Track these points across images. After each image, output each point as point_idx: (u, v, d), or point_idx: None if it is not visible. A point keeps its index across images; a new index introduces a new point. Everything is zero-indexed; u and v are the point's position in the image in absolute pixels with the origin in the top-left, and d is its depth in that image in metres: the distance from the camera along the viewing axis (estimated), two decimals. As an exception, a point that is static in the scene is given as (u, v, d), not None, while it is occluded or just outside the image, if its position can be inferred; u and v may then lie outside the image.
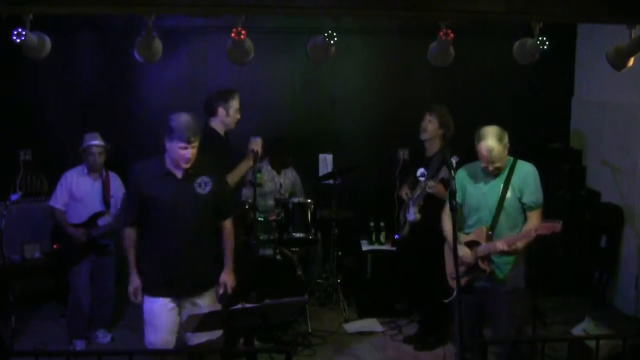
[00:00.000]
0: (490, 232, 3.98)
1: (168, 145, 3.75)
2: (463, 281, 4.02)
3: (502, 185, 3.96)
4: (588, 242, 6.23)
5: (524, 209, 3.99)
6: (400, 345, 5.31)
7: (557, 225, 3.72)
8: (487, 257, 3.98)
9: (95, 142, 5.24)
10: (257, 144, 4.70)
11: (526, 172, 3.99)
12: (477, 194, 4.06)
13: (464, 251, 4.02)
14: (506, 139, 3.94)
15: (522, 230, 3.96)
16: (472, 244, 4.03)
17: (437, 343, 5.21)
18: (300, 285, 5.36)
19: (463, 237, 4.08)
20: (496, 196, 3.97)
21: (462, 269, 4.00)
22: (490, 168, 3.95)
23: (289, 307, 3.70)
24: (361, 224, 6.30)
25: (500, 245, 3.88)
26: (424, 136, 5.04)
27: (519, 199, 3.96)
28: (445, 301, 4.24)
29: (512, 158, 4.04)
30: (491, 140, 3.87)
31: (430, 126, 4.99)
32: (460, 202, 4.10)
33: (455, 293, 4.02)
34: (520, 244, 3.91)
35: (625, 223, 5.94)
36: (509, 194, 3.95)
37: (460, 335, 3.58)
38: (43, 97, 6.49)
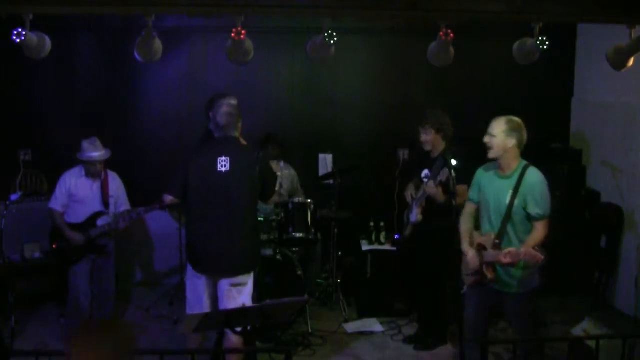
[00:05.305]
0: (497, 241, 3.92)
1: None
2: (471, 280, 4.04)
3: (511, 191, 3.92)
4: (588, 242, 6.23)
5: (530, 218, 3.93)
6: (400, 345, 5.31)
7: (540, 258, 3.70)
8: (491, 264, 3.92)
9: (95, 154, 5.16)
10: None
11: (532, 182, 3.93)
12: (489, 194, 4.06)
13: (471, 254, 4.03)
14: (517, 137, 3.96)
15: (525, 244, 3.83)
16: (480, 248, 4.01)
17: (437, 343, 5.21)
18: (300, 285, 5.35)
19: (477, 238, 4.07)
20: (505, 201, 3.93)
21: (469, 270, 4.03)
22: (489, 155, 4.01)
23: (289, 307, 3.70)
24: (361, 224, 6.28)
25: (504, 258, 3.78)
26: (427, 147, 5.03)
27: (524, 208, 3.91)
28: (462, 292, 4.21)
29: (524, 163, 4.01)
30: (496, 127, 3.99)
31: (428, 137, 4.97)
32: (477, 200, 4.16)
33: (465, 288, 4.10)
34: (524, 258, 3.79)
35: (625, 223, 5.93)
36: (516, 202, 3.90)
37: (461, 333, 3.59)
38: (43, 97, 6.49)
